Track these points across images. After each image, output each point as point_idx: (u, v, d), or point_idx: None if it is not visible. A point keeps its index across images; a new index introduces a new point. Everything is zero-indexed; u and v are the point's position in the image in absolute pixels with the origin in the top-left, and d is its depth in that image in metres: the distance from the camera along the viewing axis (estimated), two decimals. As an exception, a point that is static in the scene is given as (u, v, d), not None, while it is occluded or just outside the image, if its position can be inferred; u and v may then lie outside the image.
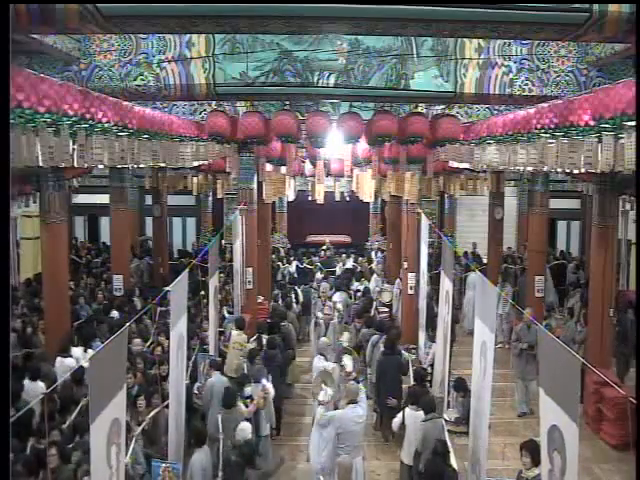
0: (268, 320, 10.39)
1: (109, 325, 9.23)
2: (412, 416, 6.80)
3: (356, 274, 14.99)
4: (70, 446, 5.76)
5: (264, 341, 9.08)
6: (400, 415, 6.91)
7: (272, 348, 8.76)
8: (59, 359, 8.02)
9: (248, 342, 9.13)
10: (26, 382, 7.15)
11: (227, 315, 10.90)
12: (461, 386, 7.42)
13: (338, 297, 12.29)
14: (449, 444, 6.28)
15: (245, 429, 6.39)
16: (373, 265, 16.19)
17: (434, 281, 12.26)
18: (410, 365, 8.93)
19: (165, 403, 6.45)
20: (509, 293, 12.60)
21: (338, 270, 16.08)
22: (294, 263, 16.52)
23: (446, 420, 7.50)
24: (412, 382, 7.83)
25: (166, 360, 7.39)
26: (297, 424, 9.31)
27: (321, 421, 6.57)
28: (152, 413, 6.31)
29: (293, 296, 13.00)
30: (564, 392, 3.89)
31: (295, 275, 15.77)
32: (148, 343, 8.71)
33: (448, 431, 6.86)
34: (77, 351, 8.32)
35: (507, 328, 12.59)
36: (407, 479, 6.81)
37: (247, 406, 7.09)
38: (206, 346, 8.64)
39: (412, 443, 6.73)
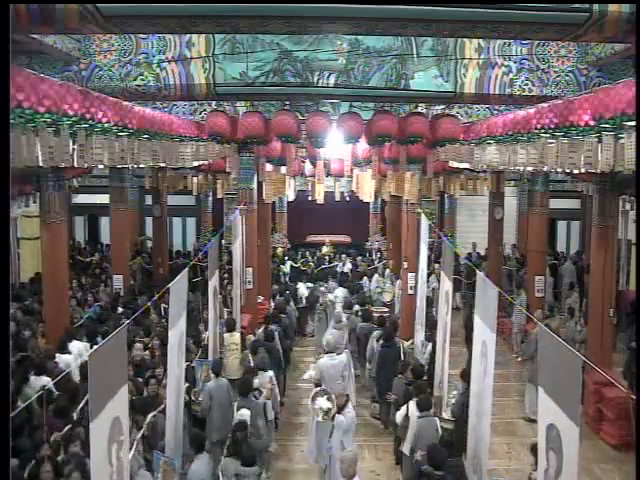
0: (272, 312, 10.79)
1: (113, 322, 9.31)
2: (416, 409, 6.79)
3: (357, 274, 15.08)
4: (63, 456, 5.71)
5: (274, 332, 9.49)
6: (404, 408, 6.92)
7: (269, 340, 9.05)
8: (57, 355, 8.05)
9: (254, 334, 9.59)
10: (32, 377, 7.23)
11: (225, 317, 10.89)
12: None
13: (340, 292, 12.68)
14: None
15: (244, 415, 6.60)
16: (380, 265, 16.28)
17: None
18: (404, 357, 9.04)
19: (161, 407, 6.41)
20: (523, 300, 12.19)
21: (338, 269, 16.17)
22: (288, 263, 16.64)
23: (446, 419, 7.49)
24: (411, 377, 7.87)
25: (161, 364, 7.46)
26: (295, 424, 9.31)
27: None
28: (148, 418, 6.27)
29: (288, 293, 13.17)
30: (564, 392, 3.88)
31: (289, 274, 15.85)
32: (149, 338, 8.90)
33: (443, 428, 6.88)
34: (79, 345, 8.35)
35: (520, 338, 12.16)
36: (409, 470, 6.80)
37: (257, 398, 7.20)
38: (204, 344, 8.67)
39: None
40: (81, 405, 6.59)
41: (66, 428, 6.02)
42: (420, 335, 9.93)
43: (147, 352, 8.29)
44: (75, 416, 6.41)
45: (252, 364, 8.17)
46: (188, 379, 7.60)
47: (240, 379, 7.36)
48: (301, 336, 13.39)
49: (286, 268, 16.31)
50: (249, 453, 5.84)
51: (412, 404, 6.85)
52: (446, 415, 7.67)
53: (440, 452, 5.79)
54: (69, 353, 8.22)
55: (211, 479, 5.90)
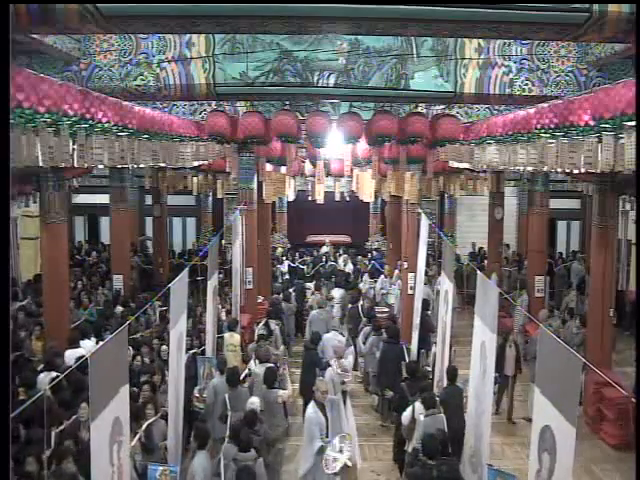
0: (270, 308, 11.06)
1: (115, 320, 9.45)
2: (422, 410, 6.79)
3: (361, 273, 15.13)
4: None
5: (272, 326, 9.82)
6: (410, 409, 6.93)
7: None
8: (69, 351, 8.11)
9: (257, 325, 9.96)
10: (41, 375, 7.32)
11: (224, 318, 10.91)
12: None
13: (336, 293, 12.62)
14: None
15: (254, 402, 6.74)
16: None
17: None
18: (406, 356, 9.12)
19: (159, 415, 6.38)
20: (524, 301, 12.13)
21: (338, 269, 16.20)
22: (286, 262, 16.66)
23: None
24: (405, 376, 7.94)
25: (158, 370, 7.49)
26: (295, 424, 9.30)
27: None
28: (146, 424, 6.17)
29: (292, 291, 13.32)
30: (562, 393, 3.88)
31: (287, 274, 15.90)
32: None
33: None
34: (88, 343, 8.42)
35: (522, 341, 11.82)
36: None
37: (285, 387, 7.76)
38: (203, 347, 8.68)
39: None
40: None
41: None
42: (416, 334, 9.96)
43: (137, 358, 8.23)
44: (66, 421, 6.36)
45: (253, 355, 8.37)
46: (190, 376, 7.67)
47: (265, 371, 7.49)
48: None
49: (284, 268, 16.31)
50: (245, 439, 5.95)
51: (418, 405, 6.85)
52: None
53: (433, 442, 5.86)
54: (80, 347, 8.31)
55: (211, 475, 5.89)
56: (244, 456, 5.86)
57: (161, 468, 5.37)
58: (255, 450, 5.99)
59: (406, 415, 6.96)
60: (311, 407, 6.69)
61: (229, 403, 6.95)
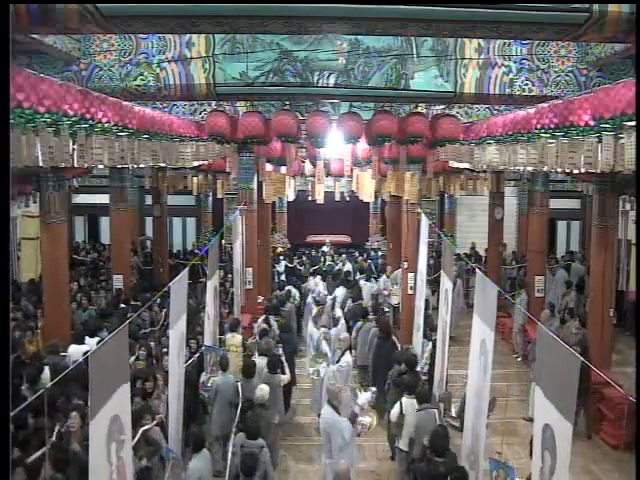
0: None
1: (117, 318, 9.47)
2: (410, 405, 6.86)
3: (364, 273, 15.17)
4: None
5: (272, 322, 9.99)
6: (397, 405, 6.95)
7: (285, 332, 9.54)
8: (73, 346, 8.19)
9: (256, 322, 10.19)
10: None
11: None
12: None
13: (339, 292, 12.65)
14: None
15: (264, 389, 6.97)
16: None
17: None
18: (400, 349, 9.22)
19: (154, 422, 6.28)
20: (524, 301, 12.09)
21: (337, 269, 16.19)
22: (283, 263, 16.66)
23: (454, 417, 7.51)
24: (404, 368, 7.93)
25: (151, 375, 7.43)
26: (296, 424, 9.31)
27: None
28: (140, 431, 6.01)
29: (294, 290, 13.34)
30: (560, 391, 3.90)
31: (283, 275, 15.92)
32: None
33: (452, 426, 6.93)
34: (91, 341, 8.44)
35: (521, 340, 12.05)
36: (405, 465, 6.87)
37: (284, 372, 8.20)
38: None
39: (411, 431, 6.79)
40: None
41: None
42: (419, 335, 9.94)
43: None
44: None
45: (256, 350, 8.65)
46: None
47: (269, 359, 7.95)
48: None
49: (280, 268, 16.31)
50: (253, 427, 6.15)
51: (405, 400, 6.90)
52: (454, 413, 7.71)
53: (441, 439, 5.92)
54: (85, 344, 8.39)
55: (210, 475, 5.92)
56: (251, 443, 6.01)
57: (172, 454, 5.80)
58: (262, 438, 6.15)
59: (394, 412, 6.99)
60: (327, 409, 6.73)
61: (242, 392, 7.24)
